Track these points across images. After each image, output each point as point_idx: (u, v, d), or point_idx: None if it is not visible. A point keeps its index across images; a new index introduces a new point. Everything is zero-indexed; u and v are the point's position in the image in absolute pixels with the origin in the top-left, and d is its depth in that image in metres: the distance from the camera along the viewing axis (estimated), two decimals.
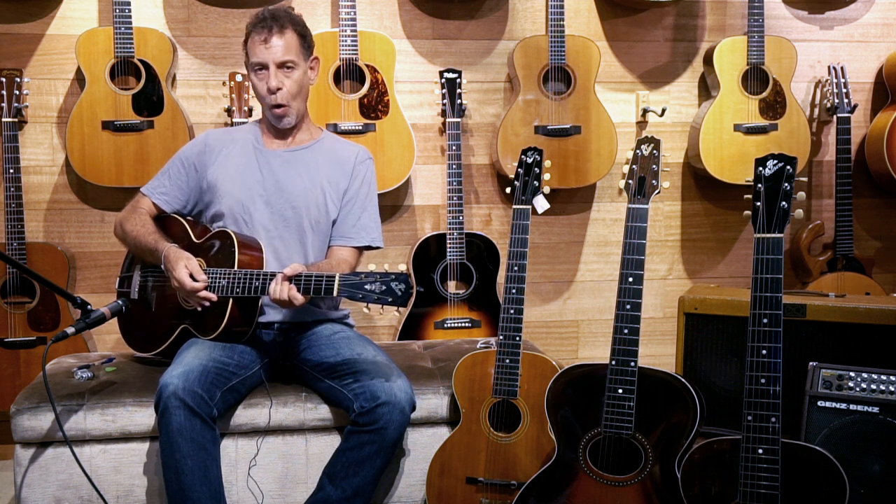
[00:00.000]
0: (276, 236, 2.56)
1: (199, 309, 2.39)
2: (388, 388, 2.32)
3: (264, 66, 2.48)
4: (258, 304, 2.46)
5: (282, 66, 2.48)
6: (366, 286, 2.16)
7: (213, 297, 2.36)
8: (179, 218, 2.63)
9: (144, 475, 2.46)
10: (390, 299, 2.15)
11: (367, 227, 2.64)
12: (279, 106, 2.52)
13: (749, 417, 1.99)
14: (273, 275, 2.30)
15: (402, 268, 2.18)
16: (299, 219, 2.57)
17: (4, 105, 3.21)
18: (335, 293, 2.19)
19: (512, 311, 2.44)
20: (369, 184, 2.67)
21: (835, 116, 3.62)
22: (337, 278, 2.19)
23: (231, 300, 2.39)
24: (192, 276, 2.36)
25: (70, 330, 2.31)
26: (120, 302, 2.45)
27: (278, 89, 2.49)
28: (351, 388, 2.37)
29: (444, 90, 3.39)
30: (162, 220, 2.63)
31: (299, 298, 2.26)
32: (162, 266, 2.44)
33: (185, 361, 2.33)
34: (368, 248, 2.66)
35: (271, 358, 2.57)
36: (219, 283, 2.37)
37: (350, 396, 2.36)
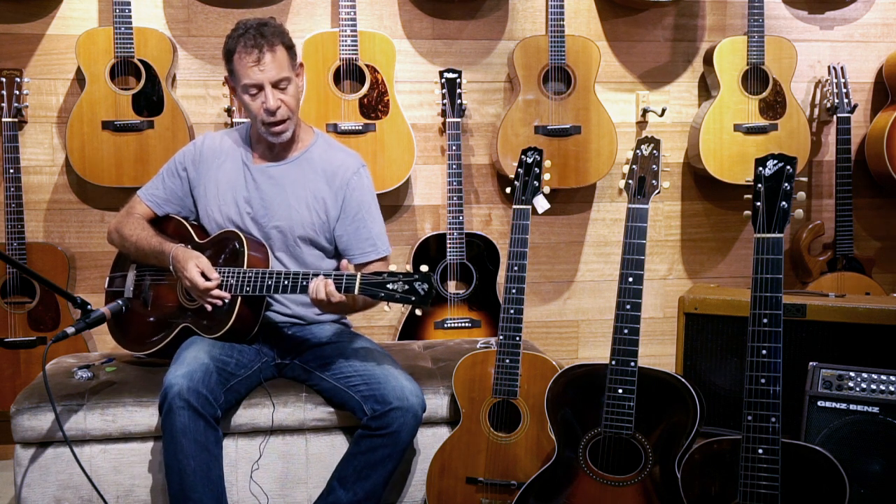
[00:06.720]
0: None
1: (210, 308, 2.38)
2: (400, 392, 2.32)
3: (259, 87, 2.42)
4: (263, 304, 2.46)
5: (276, 84, 2.42)
6: (388, 285, 2.17)
7: (227, 295, 2.35)
8: (180, 219, 2.62)
9: (144, 475, 2.46)
10: (413, 298, 2.15)
11: (380, 235, 2.60)
12: (279, 123, 2.45)
13: (749, 417, 1.99)
14: (287, 274, 2.30)
15: (424, 268, 2.18)
16: (284, 238, 2.55)
17: (4, 105, 3.21)
18: (356, 291, 2.20)
19: (512, 311, 2.44)
20: (369, 191, 2.62)
21: (835, 116, 3.62)
22: (358, 277, 2.20)
23: (239, 299, 2.39)
24: (203, 275, 2.35)
25: (70, 330, 2.31)
26: (120, 302, 2.46)
27: (278, 108, 2.43)
28: (359, 390, 2.36)
29: (444, 90, 3.39)
30: (162, 222, 2.63)
31: (336, 296, 2.24)
32: (170, 267, 2.43)
33: (187, 361, 2.31)
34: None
35: (271, 357, 2.57)
36: (228, 281, 2.36)
37: (358, 399, 2.35)
